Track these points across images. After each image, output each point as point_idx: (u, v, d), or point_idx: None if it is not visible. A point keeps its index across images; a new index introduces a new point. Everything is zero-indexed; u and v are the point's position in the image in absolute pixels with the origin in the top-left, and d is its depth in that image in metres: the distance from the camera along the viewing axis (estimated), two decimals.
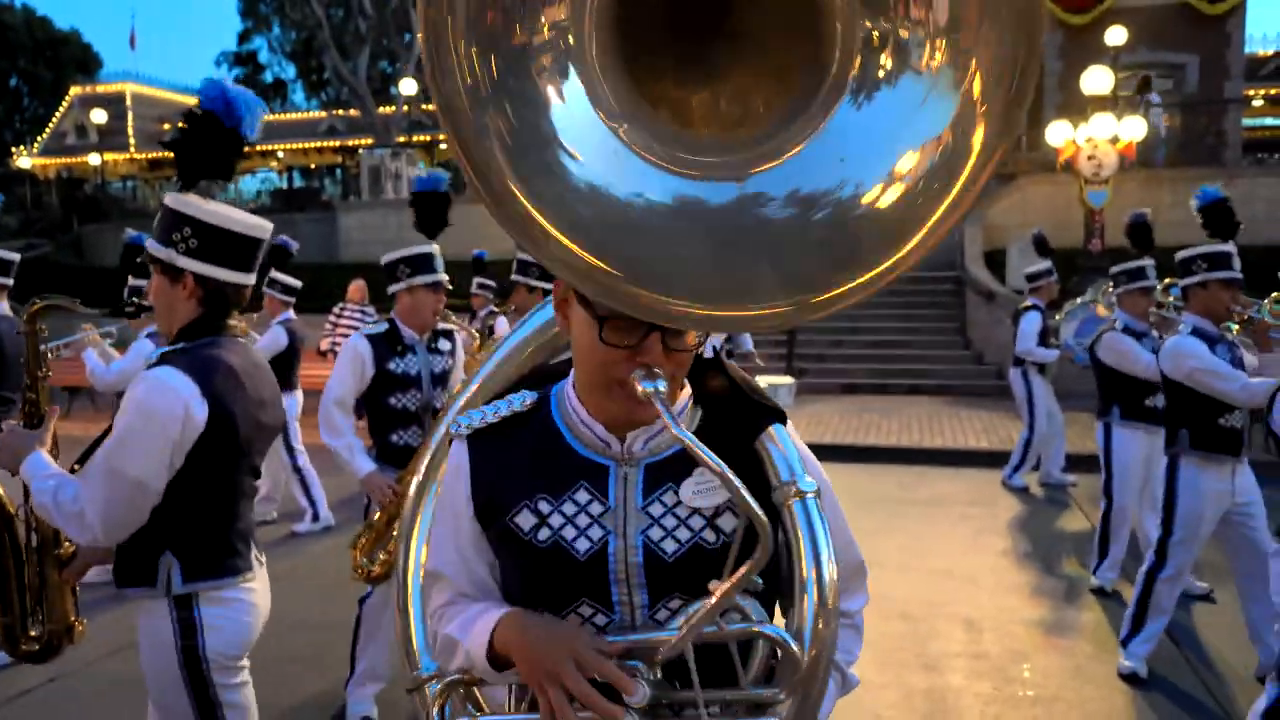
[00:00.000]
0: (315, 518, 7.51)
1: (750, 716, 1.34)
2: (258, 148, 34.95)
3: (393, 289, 4.19)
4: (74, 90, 37.00)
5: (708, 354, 1.49)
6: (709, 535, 1.40)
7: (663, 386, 1.30)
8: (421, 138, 30.06)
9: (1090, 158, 13.75)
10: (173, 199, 2.43)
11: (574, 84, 1.21)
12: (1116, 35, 15.79)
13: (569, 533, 1.41)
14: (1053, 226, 14.75)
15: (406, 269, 4.08)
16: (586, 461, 1.44)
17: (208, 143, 2.43)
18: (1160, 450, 4.78)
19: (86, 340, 6.33)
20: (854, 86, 1.21)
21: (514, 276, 5.69)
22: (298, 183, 31.83)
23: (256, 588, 2.53)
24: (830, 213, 1.19)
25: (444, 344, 4.20)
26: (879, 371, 14.26)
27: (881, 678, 4.65)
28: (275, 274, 7.75)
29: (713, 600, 1.27)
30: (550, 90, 1.20)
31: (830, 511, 1.38)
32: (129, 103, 35.79)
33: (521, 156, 1.19)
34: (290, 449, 7.45)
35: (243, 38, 42.94)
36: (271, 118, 37.03)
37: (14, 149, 36.97)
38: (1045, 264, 8.58)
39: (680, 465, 1.41)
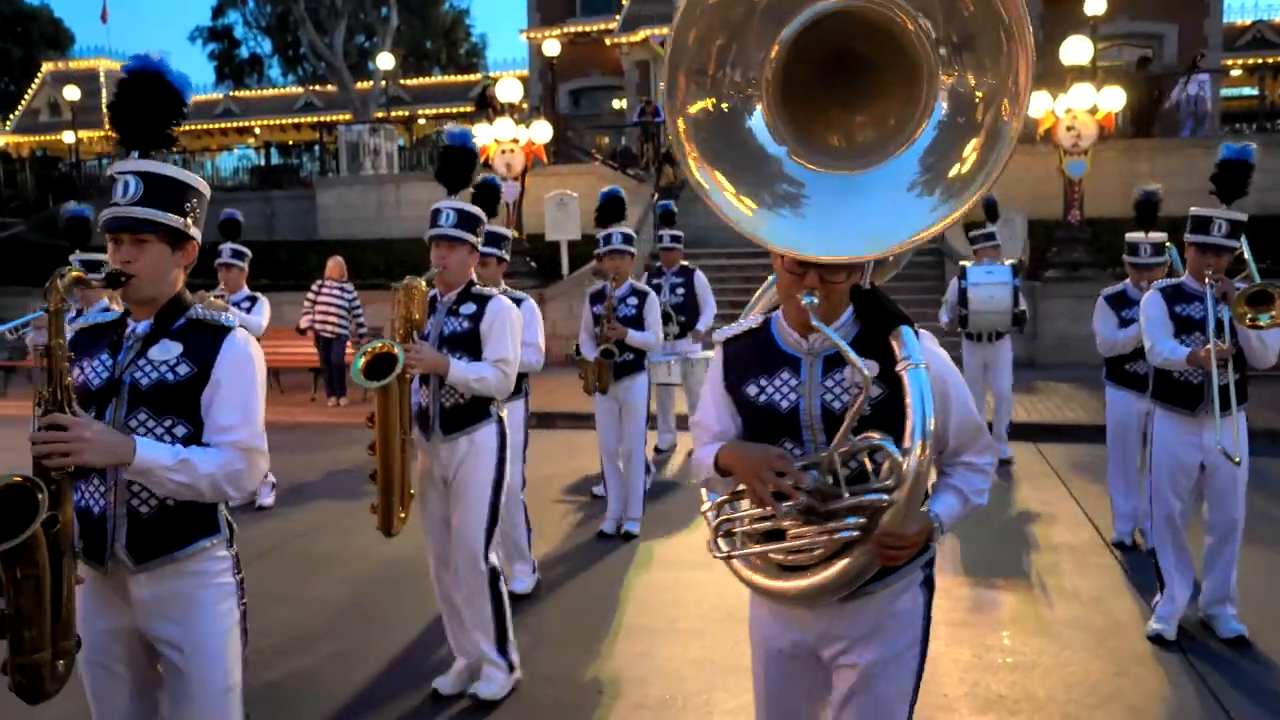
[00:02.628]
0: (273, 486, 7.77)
1: (875, 495, 2.09)
2: (235, 124, 34.60)
3: None
4: (46, 67, 36.41)
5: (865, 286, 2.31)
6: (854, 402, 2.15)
7: (815, 300, 2.14)
8: (400, 113, 29.78)
9: (1069, 128, 13.79)
10: (175, 170, 2.50)
11: (758, 115, 2.12)
12: (1095, 5, 15.78)
13: (776, 397, 2.30)
14: (1032, 198, 14.84)
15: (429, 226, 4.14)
16: (787, 355, 2.33)
17: (154, 104, 2.46)
18: (1148, 410, 5.21)
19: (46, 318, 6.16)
20: (933, 114, 2.04)
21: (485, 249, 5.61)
22: (275, 160, 31.49)
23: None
24: (918, 190, 2.04)
25: (468, 308, 4.11)
26: None
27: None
28: (236, 246, 7.63)
29: (846, 421, 2.11)
30: (744, 117, 2.12)
31: (954, 385, 2.27)
32: (102, 79, 35.25)
33: (719, 159, 2.12)
34: None
35: (217, 12, 42.25)
36: (248, 94, 36.65)
37: None
38: (990, 228, 8.82)
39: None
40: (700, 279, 8.65)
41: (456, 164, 4.21)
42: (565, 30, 27.02)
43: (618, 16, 25.67)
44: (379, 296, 15.14)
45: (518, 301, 5.11)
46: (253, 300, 7.51)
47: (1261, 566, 5.50)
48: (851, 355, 2.05)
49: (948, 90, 2.01)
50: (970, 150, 2.01)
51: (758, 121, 2.11)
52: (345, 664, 4.63)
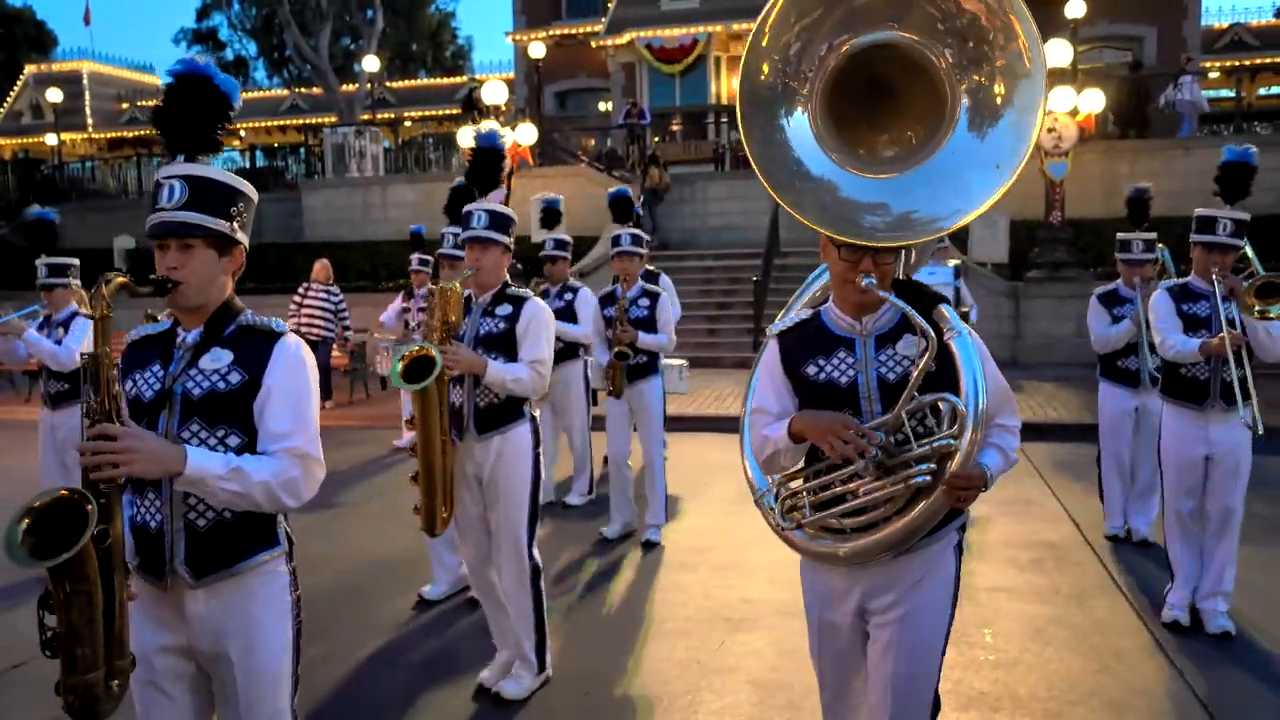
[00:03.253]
0: None
1: (944, 440, 2.37)
2: None
3: None
4: (28, 69, 36.16)
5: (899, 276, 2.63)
6: (912, 368, 2.47)
7: (874, 282, 2.46)
8: (385, 115, 29.72)
9: (1050, 130, 13.89)
10: (222, 173, 2.44)
11: (803, 121, 2.53)
12: (1075, 8, 15.91)
13: (835, 374, 2.59)
14: (1014, 198, 14.88)
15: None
16: (841, 337, 2.63)
17: (200, 107, 2.40)
18: (1138, 407, 5.99)
19: (20, 323, 5.94)
20: (957, 120, 2.41)
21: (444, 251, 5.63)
22: (260, 162, 31.34)
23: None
24: (948, 187, 2.41)
25: (503, 309, 4.14)
26: None
27: None
28: None
29: (912, 379, 2.41)
30: (794, 123, 2.53)
31: (987, 357, 2.50)
32: (85, 81, 35.05)
33: (778, 164, 2.53)
34: None
35: (201, 14, 42.06)
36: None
37: None
38: None
39: (893, 334, 2.58)
40: (665, 281, 8.20)
41: (486, 165, 4.25)
42: (551, 32, 27.02)
43: (603, 19, 25.69)
44: (365, 299, 15.16)
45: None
46: None
47: (1254, 562, 5.53)
48: (916, 318, 2.40)
49: (967, 93, 2.40)
50: (999, 132, 2.37)
51: (802, 123, 2.52)
52: (338, 663, 4.64)
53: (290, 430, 2.38)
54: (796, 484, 2.61)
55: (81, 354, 2.25)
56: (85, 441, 2.13)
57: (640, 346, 6.35)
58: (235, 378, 2.38)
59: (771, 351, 2.73)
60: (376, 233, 19.45)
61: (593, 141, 23.67)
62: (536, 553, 4.24)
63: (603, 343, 6.51)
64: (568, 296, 6.77)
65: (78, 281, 6.13)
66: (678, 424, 6.98)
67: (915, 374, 2.41)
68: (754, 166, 2.51)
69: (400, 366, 3.82)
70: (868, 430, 2.43)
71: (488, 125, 4.50)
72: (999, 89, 2.37)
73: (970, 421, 2.36)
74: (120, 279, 2.23)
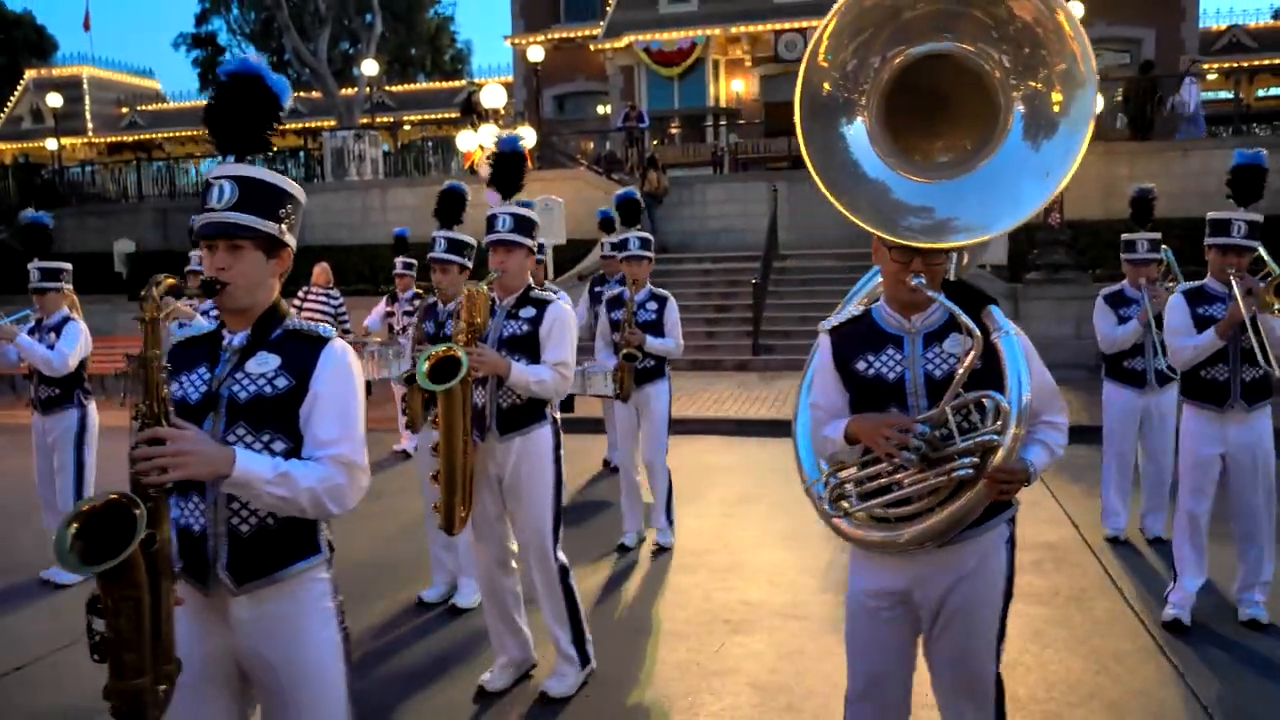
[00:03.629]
0: None
1: (987, 435, 2.47)
2: None
3: None
4: (29, 74, 36.21)
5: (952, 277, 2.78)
6: (958, 366, 2.56)
7: (923, 282, 2.56)
8: (384, 119, 29.74)
9: None
10: (272, 175, 2.42)
11: (861, 129, 2.63)
12: (1074, 10, 15.93)
13: (884, 370, 2.70)
14: None
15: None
16: (891, 334, 2.74)
17: (251, 107, 2.39)
18: (1145, 407, 6.08)
19: (11, 327, 5.91)
20: (1011, 126, 2.52)
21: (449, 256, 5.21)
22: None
23: None
24: (999, 193, 2.52)
25: (527, 311, 4.16)
26: None
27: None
28: None
29: (958, 376, 2.51)
30: (853, 130, 2.63)
31: (1033, 356, 2.61)
32: (85, 86, 35.10)
33: (839, 169, 2.63)
34: None
35: (200, 19, 42.08)
36: None
37: None
38: None
39: (941, 333, 2.68)
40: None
41: (508, 169, 4.31)
42: (549, 36, 27.05)
43: (602, 22, 25.72)
44: (364, 303, 15.13)
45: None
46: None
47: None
48: (963, 317, 2.50)
49: (1022, 100, 2.51)
50: (1051, 139, 2.47)
51: (860, 131, 2.64)
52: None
53: (337, 437, 2.35)
54: (846, 474, 2.72)
55: (128, 356, 2.21)
56: (135, 445, 2.10)
57: (648, 350, 6.28)
58: (282, 382, 2.35)
59: (824, 347, 2.86)
60: (376, 236, 19.44)
61: (591, 145, 23.67)
62: (562, 553, 4.28)
63: (608, 346, 6.47)
64: (652, 306, 6.49)
65: (70, 286, 6.12)
66: (677, 426, 6.98)
67: (960, 371, 2.52)
68: (811, 172, 2.61)
69: (426, 367, 3.87)
70: (912, 424, 2.54)
71: (506, 132, 4.51)
72: (1054, 95, 2.47)
73: (1013, 418, 2.47)
74: (169, 280, 2.19)
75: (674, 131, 24.40)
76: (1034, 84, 2.49)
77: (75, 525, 1.99)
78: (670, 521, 6.53)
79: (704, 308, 15.60)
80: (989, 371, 2.55)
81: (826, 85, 2.61)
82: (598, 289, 8.31)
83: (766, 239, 16.36)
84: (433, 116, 31.69)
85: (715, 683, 4.39)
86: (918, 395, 2.66)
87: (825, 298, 15.27)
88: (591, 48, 26.02)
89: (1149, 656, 4.59)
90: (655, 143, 22.31)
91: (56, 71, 35.96)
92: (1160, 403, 6.10)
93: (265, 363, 2.37)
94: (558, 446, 4.24)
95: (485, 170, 15.49)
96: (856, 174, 2.62)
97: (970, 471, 2.48)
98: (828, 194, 2.60)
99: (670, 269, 15.83)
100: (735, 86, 25.55)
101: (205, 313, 5.74)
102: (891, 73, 2.59)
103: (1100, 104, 15.34)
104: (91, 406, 6.19)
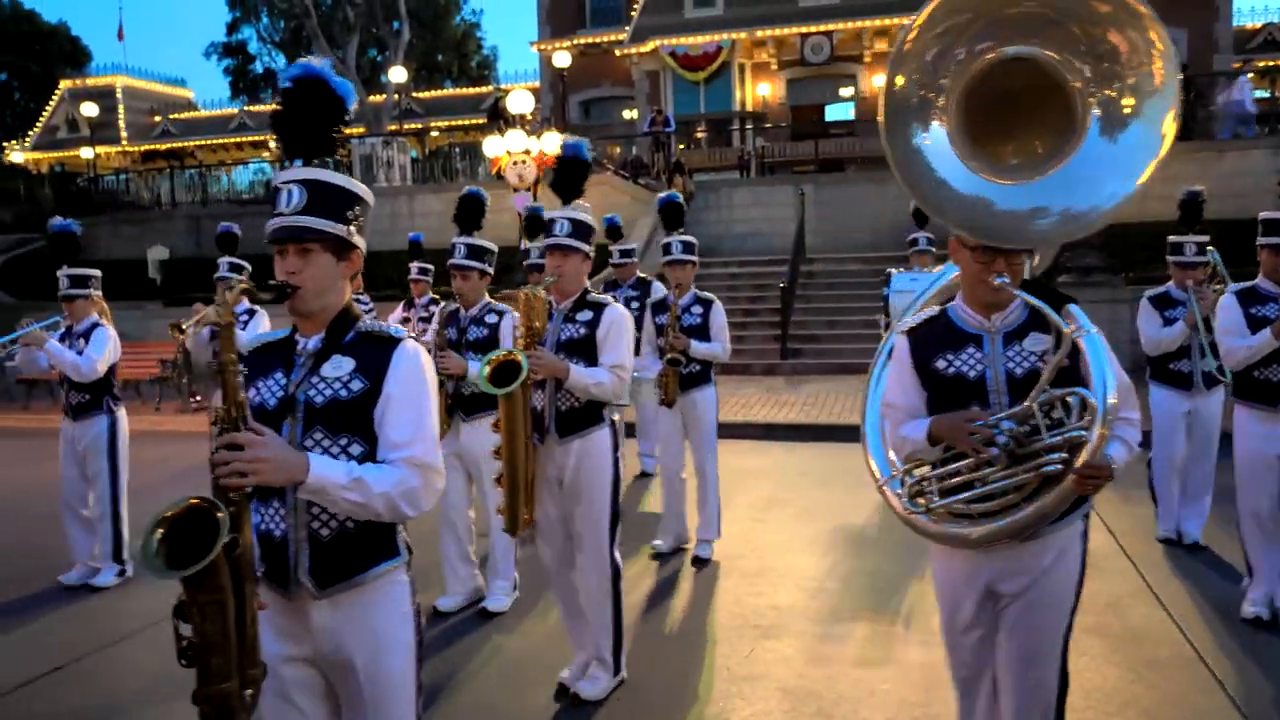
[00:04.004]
0: None
1: (1076, 431, 2.52)
2: (250, 138, 34.85)
3: None
4: (64, 84, 36.78)
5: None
6: (1040, 364, 2.65)
7: (1007, 281, 2.63)
8: (412, 125, 29.94)
9: None
10: (339, 177, 2.43)
11: (941, 133, 2.65)
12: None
13: (964, 368, 2.76)
14: None
15: None
16: (970, 334, 2.79)
17: (317, 110, 2.40)
18: (1191, 410, 6.04)
19: (41, 334, 5.99)
20: (1088, 131, 2.53)
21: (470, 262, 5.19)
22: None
23: None
24: (1086, 187, 2.54)
25: (584, 314, 4.21)
26: (872, 351, 14.27)
27: (877, 653, 4.72)
28: (233, 260, 7.36)
29: (1046, 373, 2.57)
30: (930, 137, 2.65)
31: (1108, 352, 2.61)
32: (119, 95, 35.60)
33: (924, 174, 2.65)
34: None
35: (231, 28, 42.66)
36: (263, 108, 36.85)
37: (5, 144, 36.79)
38: (922, 234, 8.85)
39: (1020, 331, 2.74)
40: (658, 288, 7.96)
41: (571, 174, 4.33)
42: (575, 42, 27.14)
43: (627, 28, 25.77)
44: (393, 308, 15.23)
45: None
46: (250, 314, 7.29)
47: None
48: (1051, 315, 2.56)
49: (1098, 104, 2.54)
50: (1127, 141, 2.51)
51: (939, 137, 2.66)
52: None
53: (410, 439, 2.34)
54: (923, 470, 2.75)
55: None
56: (215, 450, 2.12)
57: (693, 355, 6.19)
58: (357, 385, 2.36)
59: (901, 347, 2.89)
60: (404, 242, 19.30)
61: (618, 149, 23.72)
62: (618, 554, 4.30)
63: (654, 351, 6.42)
64: (697, 310, 6.53)
65: (99, 292, 6.19)
66: None
67: (1049, 368, 2.56)
68: (899, 179, 2.66)
69: (487, 371, 3.92)
70: (997, 420, 2.58)
71: (567, 137, 4.53)
72: (1128, 102, 2.51)
73: (1100, 414, 2.51)
74: (244, 284, 2.22)
75: (700, 136, 24.38)
76: (1110, 92, 2.51)
77: (160, 530, 1.99)
78: (718, 533, 6.40)
79: (731, 312, 15.35)
80: (1070, 369, 2.60)
81: (902, 81, 2.63)
82: (611, 294, 8.27)
83: (794, 243, 16.31)
84: (460, 123, 31.87)
85: (745, 688, 4.37)
86: (999, 393, 2.70)
87: (853, 301, 15.23)
88: (617, 53, 26.08)
89: (1187, 665, 4.52)
90: (681, 147, 22.32)
91: (91, 81, 36.49)
92: (1207, 405, 6.06)
93: (340, 366, 2.38)
94: (616, 449, 4.27)
95: (512, 176, 15.60)
96: (942, 186, 2.64)
97: (1059, 467, 2.51)
98: (923, 207, 2.73)
99: (697, 273, 15.77)
100: (761, 90, 25.51)
101: (237, 317, 5.76)
102: (979, 67, 2.59)
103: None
104: (121, 413, 6.24)
